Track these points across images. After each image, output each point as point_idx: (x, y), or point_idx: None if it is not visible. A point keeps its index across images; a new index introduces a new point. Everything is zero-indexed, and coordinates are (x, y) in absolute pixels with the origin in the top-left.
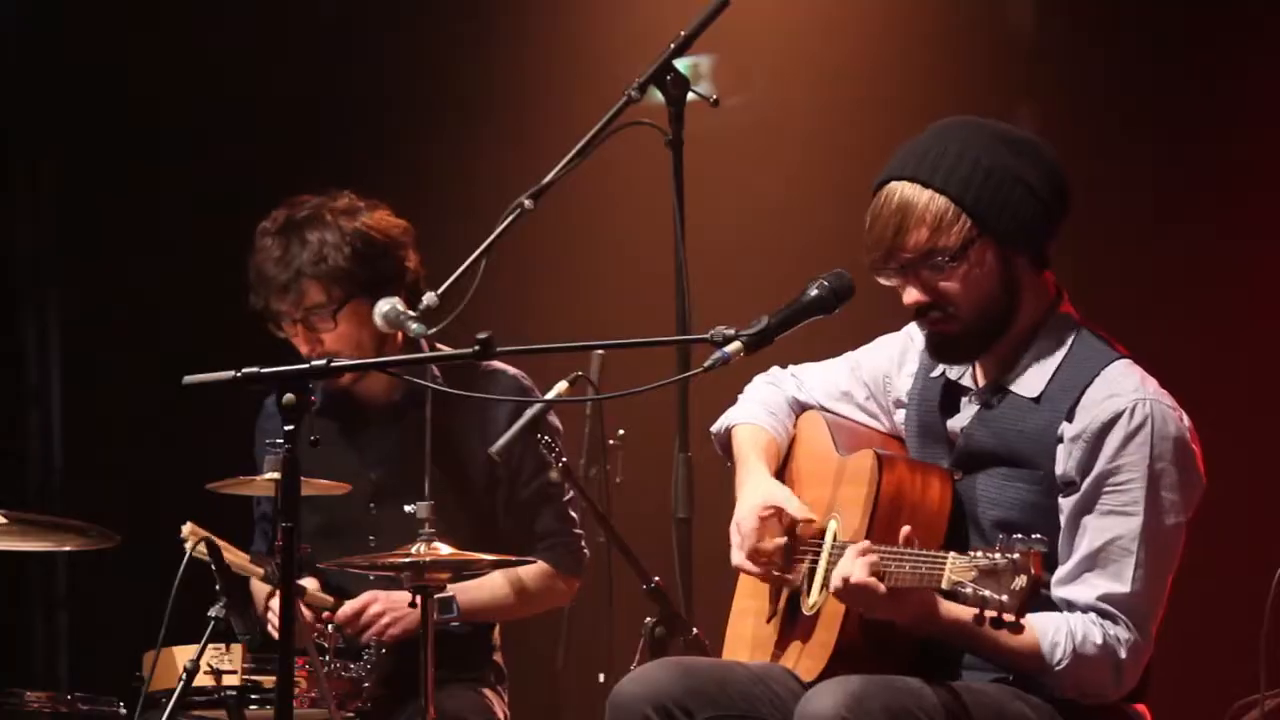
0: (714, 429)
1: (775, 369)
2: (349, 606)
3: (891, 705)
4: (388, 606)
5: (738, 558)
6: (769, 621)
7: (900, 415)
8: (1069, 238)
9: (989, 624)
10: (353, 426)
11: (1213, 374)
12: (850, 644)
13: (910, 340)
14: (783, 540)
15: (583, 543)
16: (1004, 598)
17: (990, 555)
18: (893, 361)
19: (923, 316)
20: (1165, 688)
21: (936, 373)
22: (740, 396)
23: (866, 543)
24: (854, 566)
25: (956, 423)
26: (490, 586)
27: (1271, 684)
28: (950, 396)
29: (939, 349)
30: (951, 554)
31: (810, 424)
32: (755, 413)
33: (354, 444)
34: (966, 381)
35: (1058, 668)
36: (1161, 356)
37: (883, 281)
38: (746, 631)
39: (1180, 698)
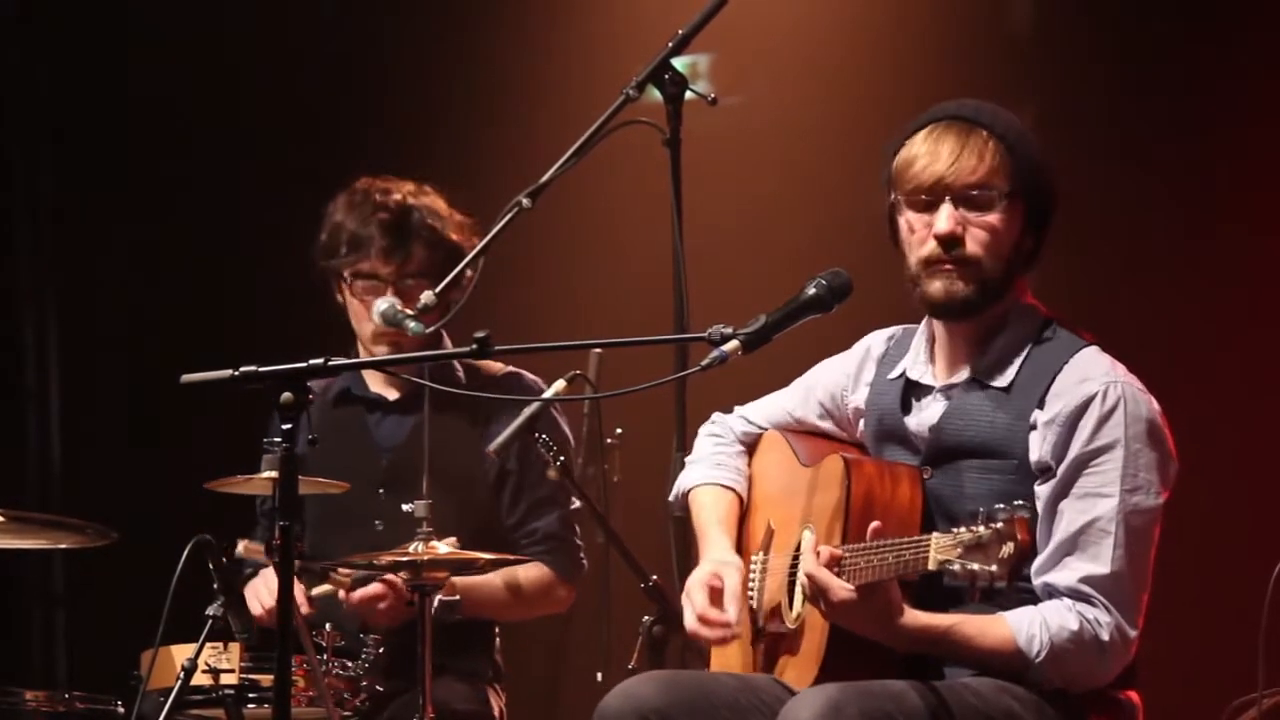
0: (671, 497)
1: (717, 414)
2: (359, 594)
3: (870, 710)
4: (393, 603)
5: (690, 623)
6: (753, 644)
7: (860, 425)
8: (1067, 237)
9: (980, 595)
10: (369, 412)
11: (1211, 373)
12: (837, 650)
13: (867, 351)
14: (737, 592)
15: (582, 553)
16: (993, 568)
17: (974, 529)
18: (849, 375)
19: (945, 251)
20: (1163, 685)
21: (895, 374)
22: (689, 458)
23: (811, 540)
24: (807, 562)
25: (920, 421)
26: (492, 587)
27: (1269, 682)
28: (910, 396)
29: (946, 294)
30: (934, 534)
31: (770, 445)
32: (705, 472)
33: (369, 429)
34: (928, 380)
35: (1037, 660)
36: (1160, 355)
37: (911, 215)
38: (731, 657)
39: (1178, 695)
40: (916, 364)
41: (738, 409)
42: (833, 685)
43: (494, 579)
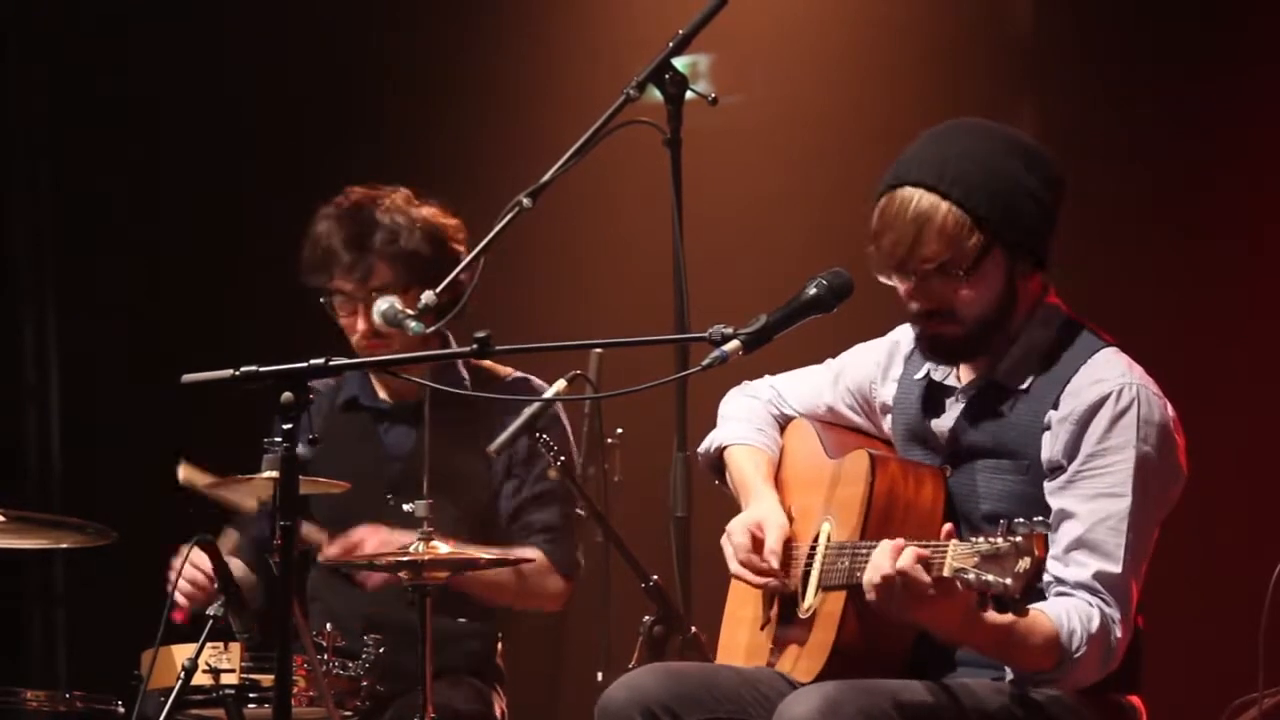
0: (701, 449)
1: (747, 382)
2: (338, 545)
3: (867, 708)
4: (379, 546)
5: (733, 566)
6: (763, 629)
7: (888, 420)
8: (1068, 237)
9: (993, 605)
10: (377, 421)
11: (1212, 373)
12: (848, 644)
13: (896, 345)
14: (777, 550)
15: (579, 551)
16: (1008, 581)
17: (992, 540)
18: (878, 367)
19: (924, 319)
20: (1163, 685)
21: (920, 374)
22: (721, 412)
23: (900, 541)
24: (895, 560)
25: (942, 423)
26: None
27: (1269, 682)
28: (934, 397)
29: (935, 351)
30: (953, 541)
31: (799, 432)
32: (743, 432)
33: (378, 437)
34: (951, 381)
35: (1077, 655)
36: (1161, 356)
37: (885, 281)
38: (741, 640)
39: (1178, 695)
40: (941, 368)
41: (769, 379)
42: (830, 683)
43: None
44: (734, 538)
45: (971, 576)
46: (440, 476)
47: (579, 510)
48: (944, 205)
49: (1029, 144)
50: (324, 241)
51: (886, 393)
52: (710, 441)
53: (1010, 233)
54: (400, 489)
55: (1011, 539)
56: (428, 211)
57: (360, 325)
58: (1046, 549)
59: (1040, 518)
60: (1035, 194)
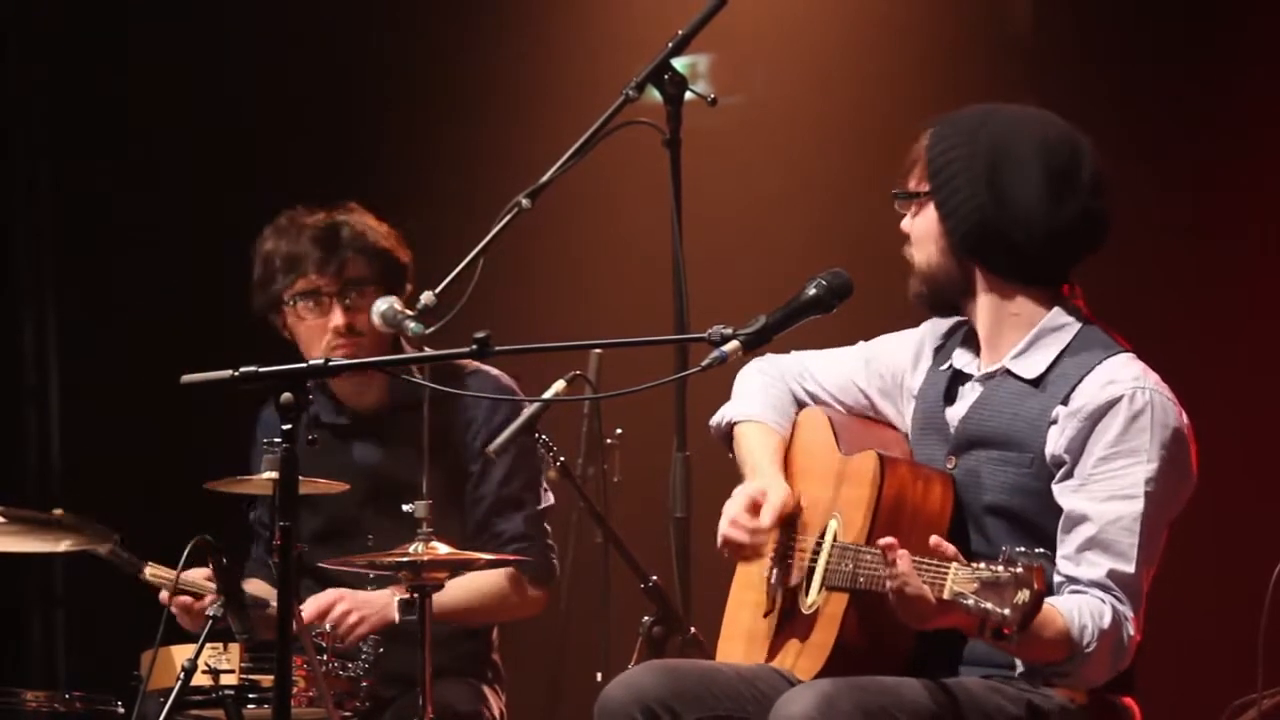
0: (713, 421)
1: (772, 355)
2: (312, 605)
3: (864, 704)
4: (353, 605)
5: (721, 528)
6: (765, 616)
7: (910, 407)
8: None
9: (989, 635)
10: (343, 430)
11: (1212, 374)
12: (848, 644)
13: (925, 336)
14: (770, 521)
15: (554, 555)
16: (1006, 611)
17: (993, 567)
18: (910, 356)
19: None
20: (1162, 686)
21: (945, 366)
22: (736, 387)
23: (904, 554)
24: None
25: (955, 411)
26: (458, 590)
27: (1269, 683)
28: (953, 386)
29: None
30: (954, 564)
31: (812, 420)
32: (755, 410)
33: (344, 447)
34: (970, 370)
35: (1088, 650)
36: (1161, 356)
37: None
38: (743, 624)
39: (1177, 697)
40: (964, 355)
41: (798, 354)
42: (826, 680)
43: (461, 582)
44: (730, 502)
45: (971, 602)
46: (404, 487)
47: (544, 507)
48: (924, 137)
49: (1062, 170)
50: (284, 249)
51: (916, 381)
52: (722, 415)
53: (944, 205)
54: (370, 501)
55: (1012, 569)
56: (373, 218)
57: (335, 320)
58: (1045, 582)
59: (1040, 549)
60: (1001, 204)
